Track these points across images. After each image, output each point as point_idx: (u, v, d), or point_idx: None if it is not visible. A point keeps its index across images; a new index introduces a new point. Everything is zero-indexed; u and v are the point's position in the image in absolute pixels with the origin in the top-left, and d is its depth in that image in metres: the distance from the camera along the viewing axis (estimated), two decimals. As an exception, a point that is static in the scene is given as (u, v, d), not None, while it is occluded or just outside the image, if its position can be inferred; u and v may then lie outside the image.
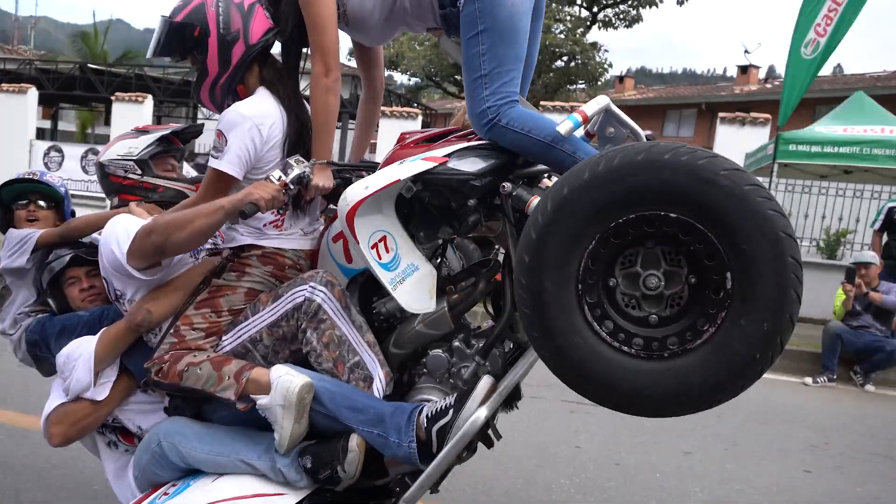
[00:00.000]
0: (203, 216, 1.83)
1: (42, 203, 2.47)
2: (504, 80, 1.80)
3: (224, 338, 1.95)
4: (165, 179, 2.35)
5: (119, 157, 2.33)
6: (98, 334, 2.03)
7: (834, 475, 3.90)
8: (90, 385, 2.00)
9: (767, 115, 10.02)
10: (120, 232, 1.92)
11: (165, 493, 1.93)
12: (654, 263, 1.49)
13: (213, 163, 1.89)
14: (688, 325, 1.48)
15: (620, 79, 30.22)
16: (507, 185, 1.75)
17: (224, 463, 1.88)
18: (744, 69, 27.22)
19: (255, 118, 1.87)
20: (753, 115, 10.41)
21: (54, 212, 2.50)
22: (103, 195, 2.86)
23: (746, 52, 23.96)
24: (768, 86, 24.04)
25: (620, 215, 1.45)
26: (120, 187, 2.34)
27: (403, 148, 1.88)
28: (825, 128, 7.78)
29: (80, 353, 2.00)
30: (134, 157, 2.31)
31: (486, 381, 1.77)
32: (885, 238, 7.01)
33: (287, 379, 1.76)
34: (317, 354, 1.87)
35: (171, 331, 1.94)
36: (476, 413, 1.70)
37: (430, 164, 1.72)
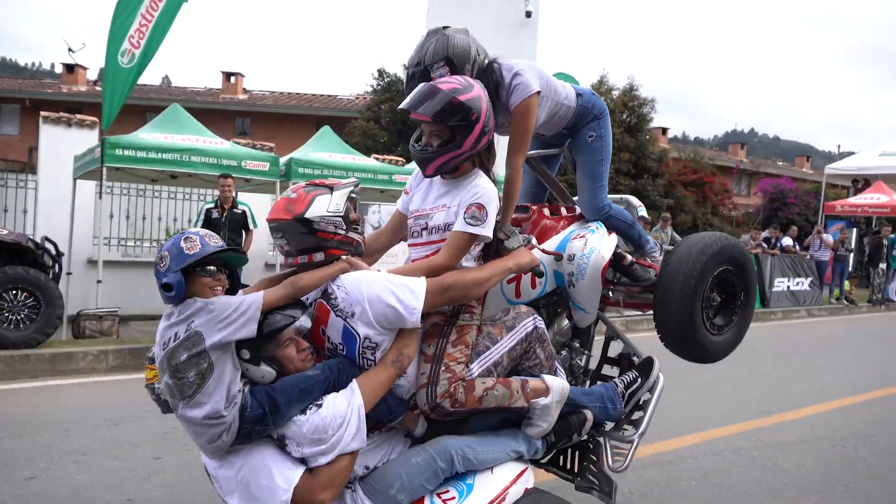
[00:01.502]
0: (497, 276, 2.45)
1: (224, 271, 2.28)
2: (607, 187, 3.10)
3: (472, 365, 2.37)
4: (357, 234, 2.42)
5: (330, 214, 2.34)
6: (352, 389, 2.16)
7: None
8: (365, 438, 2.16)
9: (95, 119, 10.01)
10: (399, 289, 2.20)
11: (449, 498, 2.28)
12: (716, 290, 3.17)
13: (475, 230, 2.38)
14: (727, 320, 3.24)
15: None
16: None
17: (501, 457, 2.42)
18: (70, 68, 26.29)
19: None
20: (80, 116, 10.25)
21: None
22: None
23: (71, 50, 23.22)
24: (98, 88, 23.85)
25: (718, 270, 3.08)
26: (330, 243, 2.33)
27: (553, 220, 3.07)
28: (148, 135, 8.31)
29: (344, 412, 2.11)
30: (341, 214, 2.35)
31: (657, 361, 2.94)
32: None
33: (559, 382, 2.53)
34: (540, 364, 2.56)
35: (443, 368, 2.31)
36: (658, 374, 2.91)
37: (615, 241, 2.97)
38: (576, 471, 2.91)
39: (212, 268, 2.21)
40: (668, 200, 19.11)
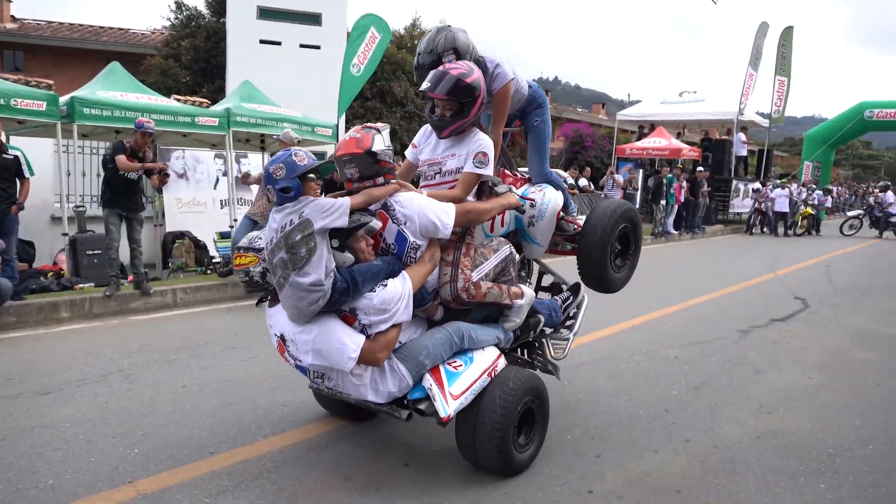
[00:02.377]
0: (496, 209, 3.44)
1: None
2: (548, 159, 4.17)
3: (473, 273, 3.33)
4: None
5: (386, 148, 3.16)
6: (404, 276, 3.07)
7: None
8: (411, 313, 3.08)
9: None
10: (438, 210, 3.13)
11: (457, 366, 3.22)
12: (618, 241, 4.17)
13: (481, 170, 3.34)
14: (624, 262, 4.27)
15: None
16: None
17: (490, 340, 3.44)
18: None
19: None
20: None
21: None
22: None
23: None
24: None
25: (621, 226, 4.10)
26: (385, 169, 3.15)
27: (512, 180, 4.11)
28: None
29: (401, 291, 3.01)
30: (391, 148, 3.20)
31: (583, 285, 4.23)
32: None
33: (529, 290, 3.68)
34: (511, 279, 3.57)
35: (459, 271, 3.24)
36: (584, 295, 4.27)
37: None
38: (530, 360, 4.18)
39: (313, 175, 3.03)
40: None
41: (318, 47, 14.10)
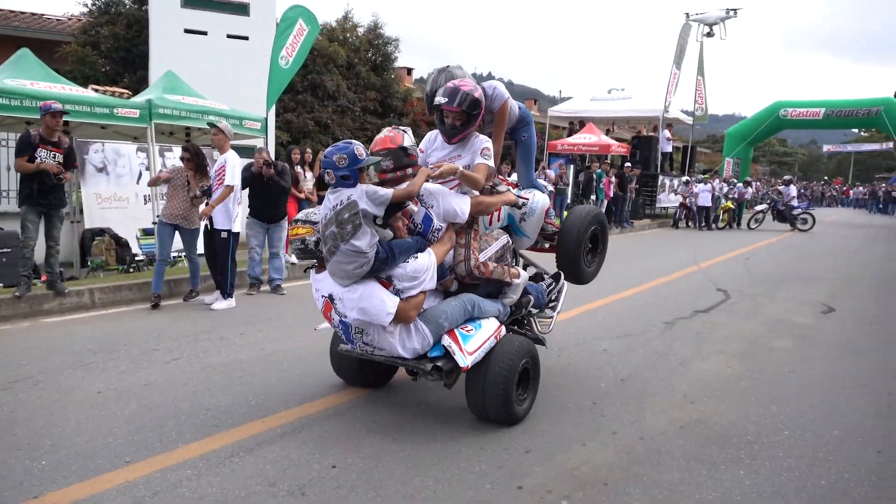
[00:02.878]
0: (500, 203, 4.30)
1: None
2: (534, 168, 5.20)
3: (480, 255, 4.13)
4: None
5: (413, 144, 3.95)
6: (430, 252, 3.85)
7: None
8: (435, 282, 3.86)
9: None
10: (458, 199, 3.96)
11: (468, 330, 3.93)
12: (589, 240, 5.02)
13: (489, 161, 4.04)
14: (594, 258, 5.12)
15: None
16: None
17: (493, 312, 4.16)
18: None
19: None
20: None
21: None
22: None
23: None
24: None
25: (592, 228, 4.98)
26: (414, 161, 3.90)
27: (505, 184, 4.60)
28: None
29: (429, 263, 3.78)
30: (416, 145, 4.06)
31: (563, 274, 4.97)
32: None
33: (525, 273, 4.48)
34: (508, 263, 4.37)
35: (471, 252, 4.04)
36: (564, 282, 5.03)
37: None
38: (522, 332, 4.71)
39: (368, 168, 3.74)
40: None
41: (246, 38, 13.67)
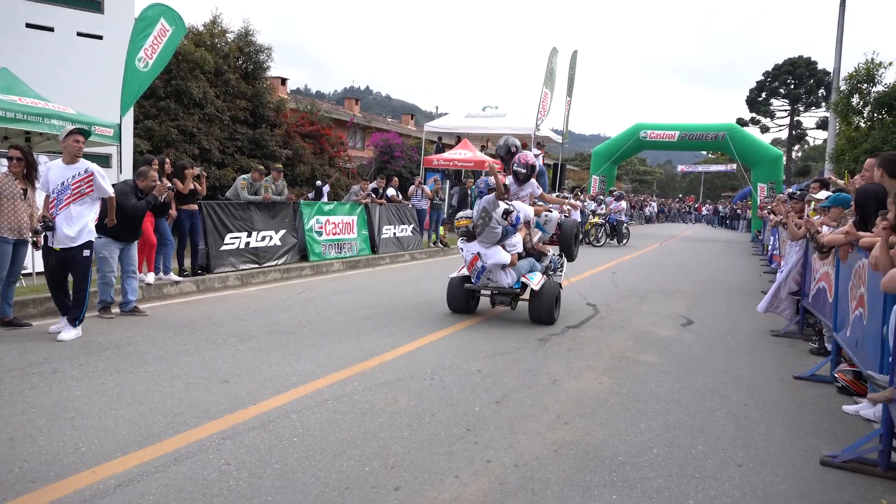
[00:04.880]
0: (543, 209, 9.01)
1: None
2: None
3: (535, 238, 8.66)
4: None
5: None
6: (518, 234, 8.01)
7: None
8: (521, 248, 8.09)
9: None
10: (529, 210, 8.37)
11: (531, 275, 7.98)
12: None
13: (543, 190, 9.15)
14: (576, 247, 9.27)
15: None
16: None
17: (539, 268, 8.22)
18: None
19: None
20: None
21: None
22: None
23: None
24: None
25: (576, 230, 9.25)
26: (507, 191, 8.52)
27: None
28: None
29: (519, 239, 7.95)
30: None
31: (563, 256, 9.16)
32: None
33: (551, 250, 9.09)
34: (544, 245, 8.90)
35: (528, 238, 8.40)
36: (565, 259, 9.12)
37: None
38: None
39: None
40: (287, 151, 19.04)
41: (99, 37, 12.58)
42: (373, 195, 15.18)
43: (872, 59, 15.11)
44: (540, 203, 8.74)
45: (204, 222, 10.29)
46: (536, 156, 26.41)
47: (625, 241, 23.51)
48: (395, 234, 15.43)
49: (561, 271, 8.95)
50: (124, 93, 9.97)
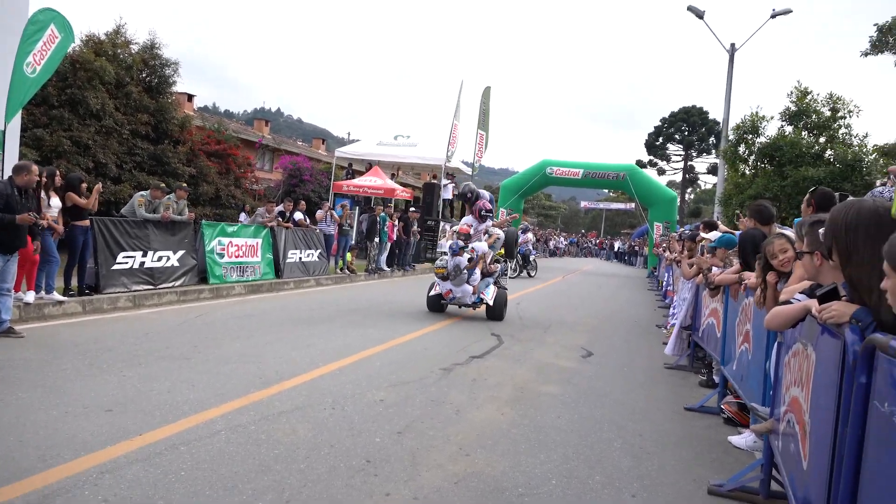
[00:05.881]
0: (498, 242, 12.79)
1: None
2: None
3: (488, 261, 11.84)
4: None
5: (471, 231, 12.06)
6: (478, 269, 11.63)
7: None
8: (479, 275, 11.49)
9: None
10: (483, 245, 11.61)
11: (485, 291, 11.50)
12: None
13: (494, 230, 12.13)
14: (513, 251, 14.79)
15: None
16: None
17: (491, 281, 11.85)
18: None
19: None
20: None
21: None
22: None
23: None
24: None
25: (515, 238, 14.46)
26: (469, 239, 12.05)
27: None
28: None
29: (478, 271, 11.33)
30: None
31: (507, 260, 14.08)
32: None
33: (499, 266, 12.49)
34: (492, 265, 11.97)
35: (484, 262, 11.69)
36: (508, 262, 15.85)
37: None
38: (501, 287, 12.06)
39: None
40: (191, 169, 18.34)
41: (-14, 39, 11.73)
42: (279, 218, 14.84)
43: (756, 113, 16.39)
44: (493, 230, 11.89)
45: (95, 239, 9.69)
46: (445, 185, 27.12)
47: (534, 272, 24.08)
48: (300, 258, 15.10)
49: (505, 274, 13.58)
50: (10, 98, 9.32)
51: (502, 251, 12.35)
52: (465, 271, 10.88)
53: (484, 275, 11.35)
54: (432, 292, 11.56)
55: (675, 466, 4.73)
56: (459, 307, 11.81)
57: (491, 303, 11.20)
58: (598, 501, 3.98)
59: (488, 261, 11.54)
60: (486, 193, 12.33)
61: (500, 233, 11.91)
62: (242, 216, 15.81)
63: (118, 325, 8.31)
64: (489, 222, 11.92)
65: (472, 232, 11.56)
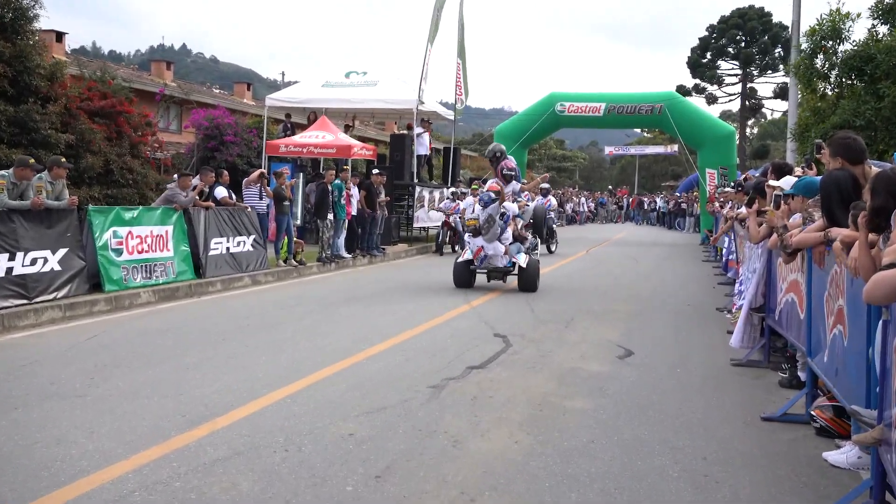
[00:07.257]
0: (525, 203, 19.73)
1: None
2: None
3: (519, 227, 16.37)
4: None
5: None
6: (510, 227, 15.54)
7: None
8: (511, 237, 15.30)
9: None
10: (514, 206, 15.71)
11: (518, 255, 14.86)
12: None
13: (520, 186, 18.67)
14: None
15: None
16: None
17: (524, 249, 15.53)
18: None
19: None
20: None
21: None
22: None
23: None
24: None
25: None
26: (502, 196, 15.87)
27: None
28: None
29: (510, 230, 14.96)
30: None
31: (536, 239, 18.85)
32: None
33: (529, 236, 17.33)
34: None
35: (516, 225, 15.94)
36: (538, 238, 20.21)
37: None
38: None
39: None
40: (68, 136, 18.08)
41: None
42: (197, 196, 14.71)
43: (838, 10, 16.33)
44: (520, 198, 15.80)
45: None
46: (419, 135, 26.80)
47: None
48: (228, 249, 15.04)
49: (536, 250, 15.90)
50: None
51: (529, 225, 17.16)
52: (500, 223, 13.92)
53: (515, 239, 14.70)
54: (460, 258, 14.87)
55: (752, 497, 4.78)
56: (489, 279, 14.89)
57: (524, 265, 14.28)
58: (653, 551, 4.01)
59: (519, 226, 15.26)
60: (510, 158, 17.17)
61: (530, 205, 16.58)
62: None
63: (-18, 356, 8.26)
64: (516, 184, 16.43)
65: (503, 191, 14.86)
